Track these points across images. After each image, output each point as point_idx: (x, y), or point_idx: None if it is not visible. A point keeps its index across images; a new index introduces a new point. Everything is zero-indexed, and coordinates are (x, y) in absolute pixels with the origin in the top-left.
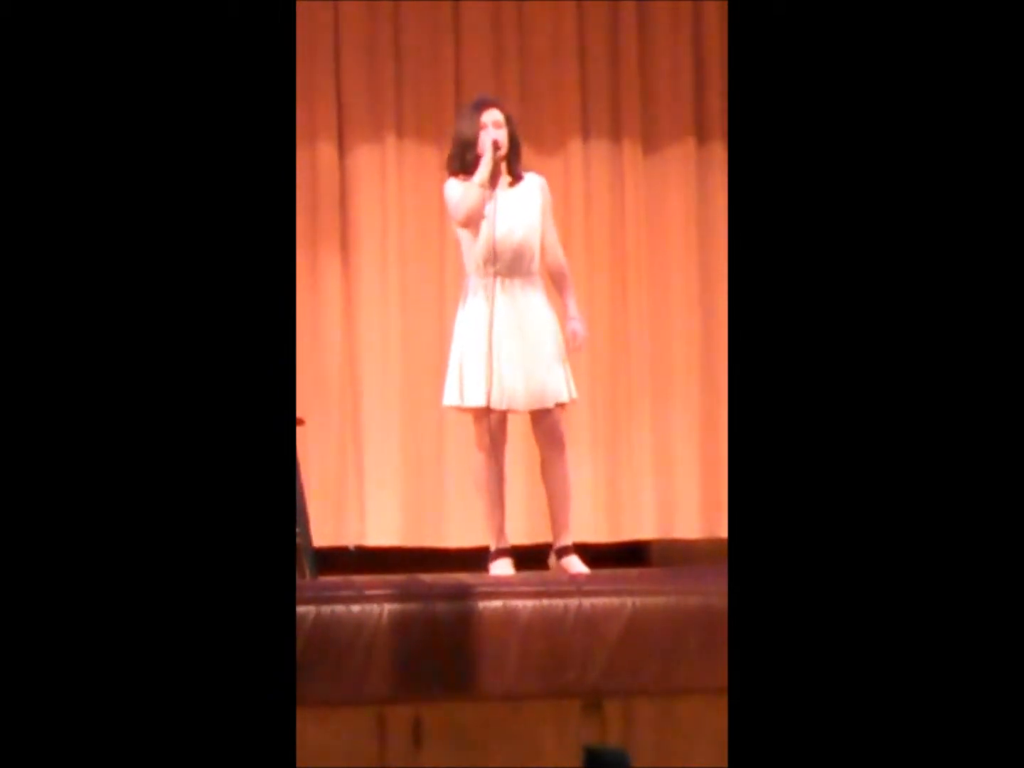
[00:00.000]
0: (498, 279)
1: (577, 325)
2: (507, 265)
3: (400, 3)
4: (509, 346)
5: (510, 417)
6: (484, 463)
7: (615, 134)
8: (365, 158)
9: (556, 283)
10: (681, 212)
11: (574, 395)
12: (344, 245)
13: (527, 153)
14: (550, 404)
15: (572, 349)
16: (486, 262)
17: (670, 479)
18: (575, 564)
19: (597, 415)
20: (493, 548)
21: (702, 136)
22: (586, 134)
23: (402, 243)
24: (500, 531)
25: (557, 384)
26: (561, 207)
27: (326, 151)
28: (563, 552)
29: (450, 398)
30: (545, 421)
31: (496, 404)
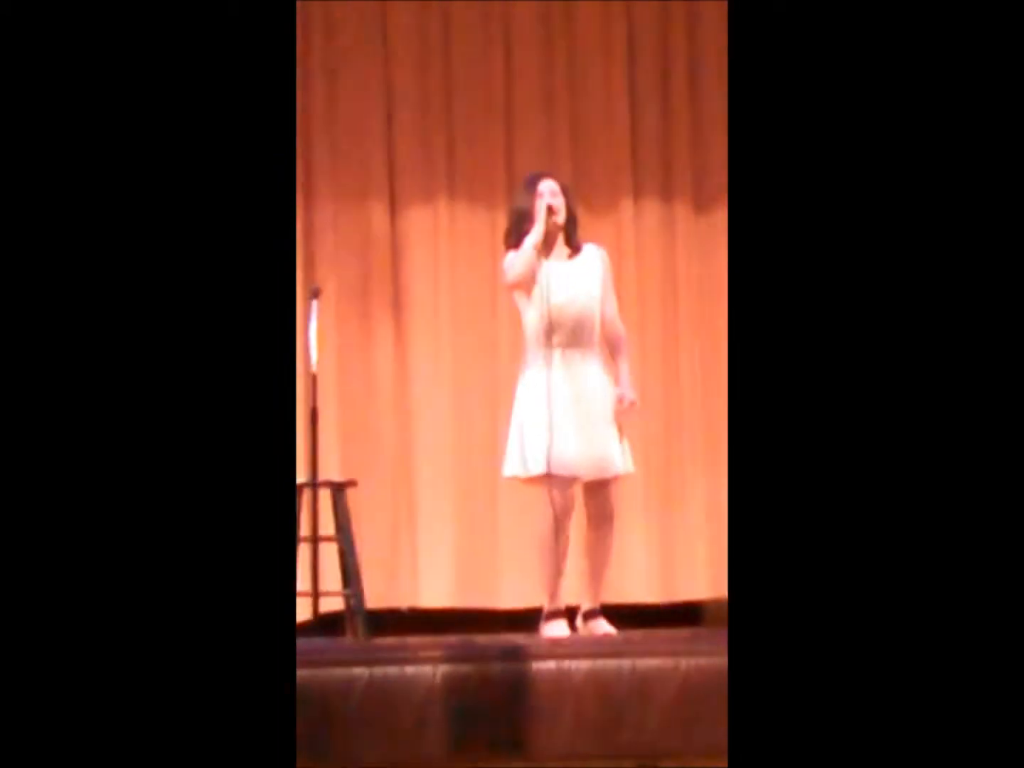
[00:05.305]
0: (557, 349)
1: (627, 391)
2: (566, 336)
3: (452, 66)
4: (569, 416)
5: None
6: (550, 528)
7: (666, 194)
8: (417, 220)
9: (612, 350)
10: None
11: (631, 468)
12: (396, 306)
13: (579, 213)
14: (609, 475)
15: (619, 412)
16: (545, 332)
17: (723, 539)
18: (602, 626)
19: (651, 474)
20: (547, 609)
21: None
22: (637, 194)
23: (454, 305)
24: (555, 594)
25: (616, 455)
26: (612, 267)
27: (378, 213)
28: (591, 615)
29: (511, 468)
30: (601, 492)
31: (557, 471)
